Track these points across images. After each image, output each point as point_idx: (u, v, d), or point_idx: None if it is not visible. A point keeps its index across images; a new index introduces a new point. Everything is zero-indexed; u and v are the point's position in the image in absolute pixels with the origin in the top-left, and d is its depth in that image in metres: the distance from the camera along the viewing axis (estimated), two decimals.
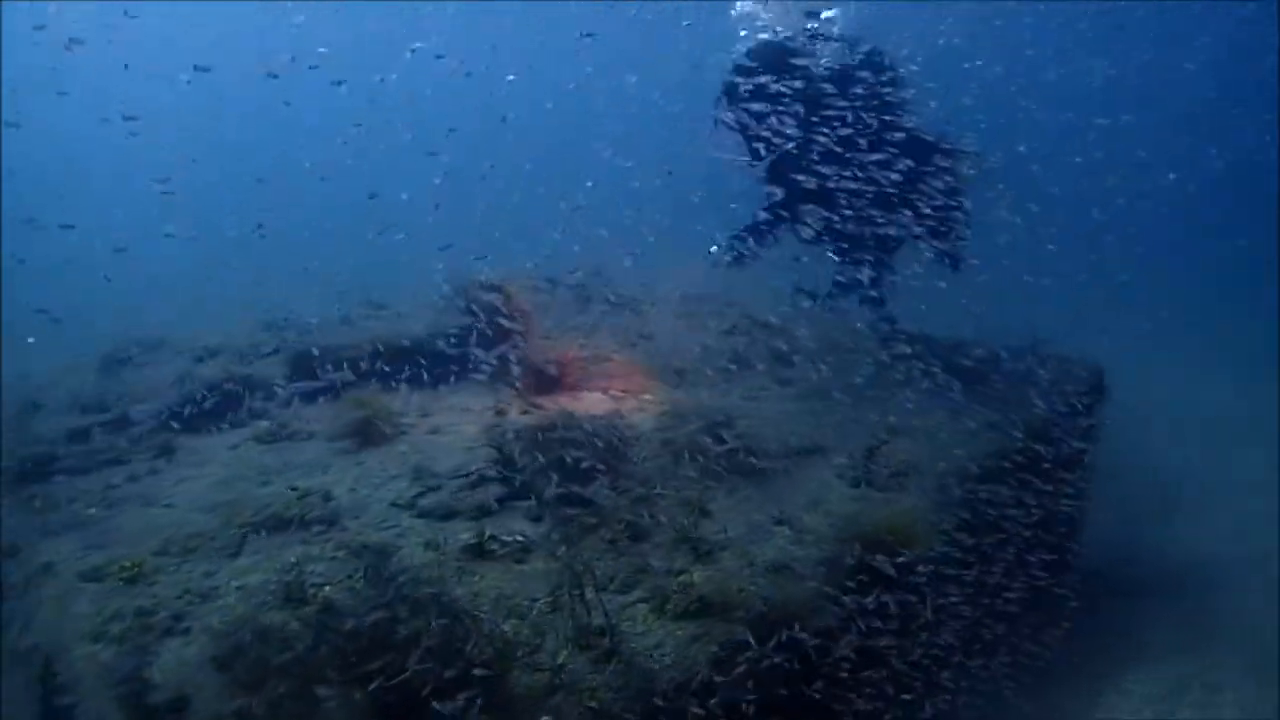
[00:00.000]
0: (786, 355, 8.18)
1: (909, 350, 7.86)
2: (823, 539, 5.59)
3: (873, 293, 9.13)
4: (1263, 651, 7.24)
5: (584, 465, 5.81)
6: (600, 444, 6.09)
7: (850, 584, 5.27)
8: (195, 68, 9.68)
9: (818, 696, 4.83)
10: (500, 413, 7.31)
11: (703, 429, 6.63)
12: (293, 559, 5.22)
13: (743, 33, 9.10)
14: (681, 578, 4.98)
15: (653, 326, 9.02)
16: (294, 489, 6.05)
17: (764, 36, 8.97)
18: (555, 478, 5.67)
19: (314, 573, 5.07)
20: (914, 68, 8.81)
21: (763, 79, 8.48)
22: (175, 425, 7.10)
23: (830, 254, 8.98)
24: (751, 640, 4.61)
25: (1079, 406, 7.84)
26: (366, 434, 6.90)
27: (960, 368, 7.97)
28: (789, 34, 8.96)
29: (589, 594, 4.59)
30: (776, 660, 4.64)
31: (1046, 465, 7.09)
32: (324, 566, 5.17)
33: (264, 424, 7.17)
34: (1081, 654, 7.18)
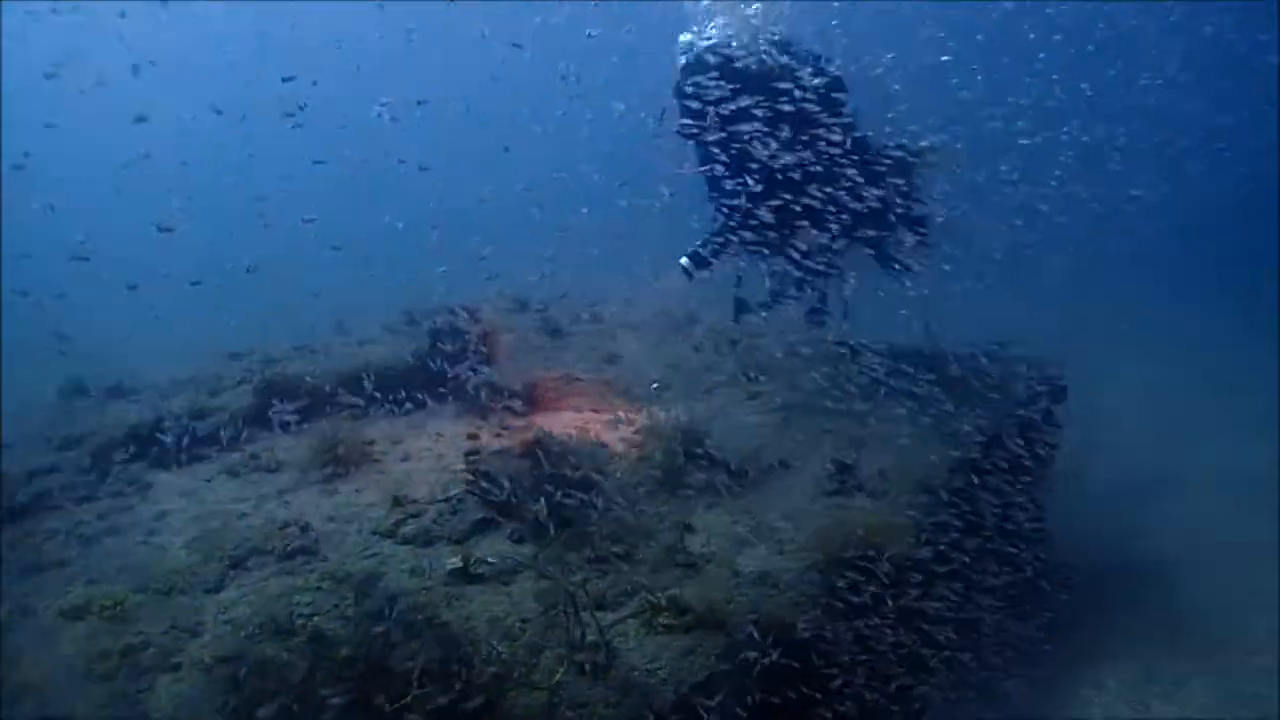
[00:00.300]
0: (755, 370, 8.26)
1: (873, 360, 7.96)
2: (804, 548, 5.67)
3: (816, 304, 9.06)
4: (1225, 641, 7.47)
5: (566, 485, 5.82)
6: (580, 463, 6.12)
7: (839, 586, 5.38)
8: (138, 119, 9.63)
9: (816, 697, 4.90)
10: (472, 437, 7.33)
11: (678, 445, 6.70)
12: (278, 590, 5.21)
13: (688, 36, 8.94)
14: (670, 592, 5.00)
15: (620, 346, 9.06)
16: (272, 521, 6.01)
17: (710, 40, 8.73)
18: (542, 498, 5.67)
19: (301, 603, 5.05)
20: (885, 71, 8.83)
21: (710, 85, 8.23)
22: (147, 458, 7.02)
23: (769, 264, 8.91)
24: (755, 633, 4.67)
25: (1040, 408, 8.03)
26: (339, 463, 6.87)
27: (927, 373, 8.11)
28: (735, 37, 8.74)
29: (583, 612, 4.60)
30: (770, 668, 4.70)
31: (1011, 466, 7.27)
32: (310, 597, 5.13)
33: (235, 456, 7.10)
34: (1056, 648, 7.34)
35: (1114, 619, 7.95)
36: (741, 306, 9.13)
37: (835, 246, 8.54)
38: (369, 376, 7.88)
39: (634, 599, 5.07)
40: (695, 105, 8.21)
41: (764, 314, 9.01)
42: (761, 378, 8.26)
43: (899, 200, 8.87)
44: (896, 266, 8.92)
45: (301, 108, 9.23)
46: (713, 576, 5.31)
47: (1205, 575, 8.57)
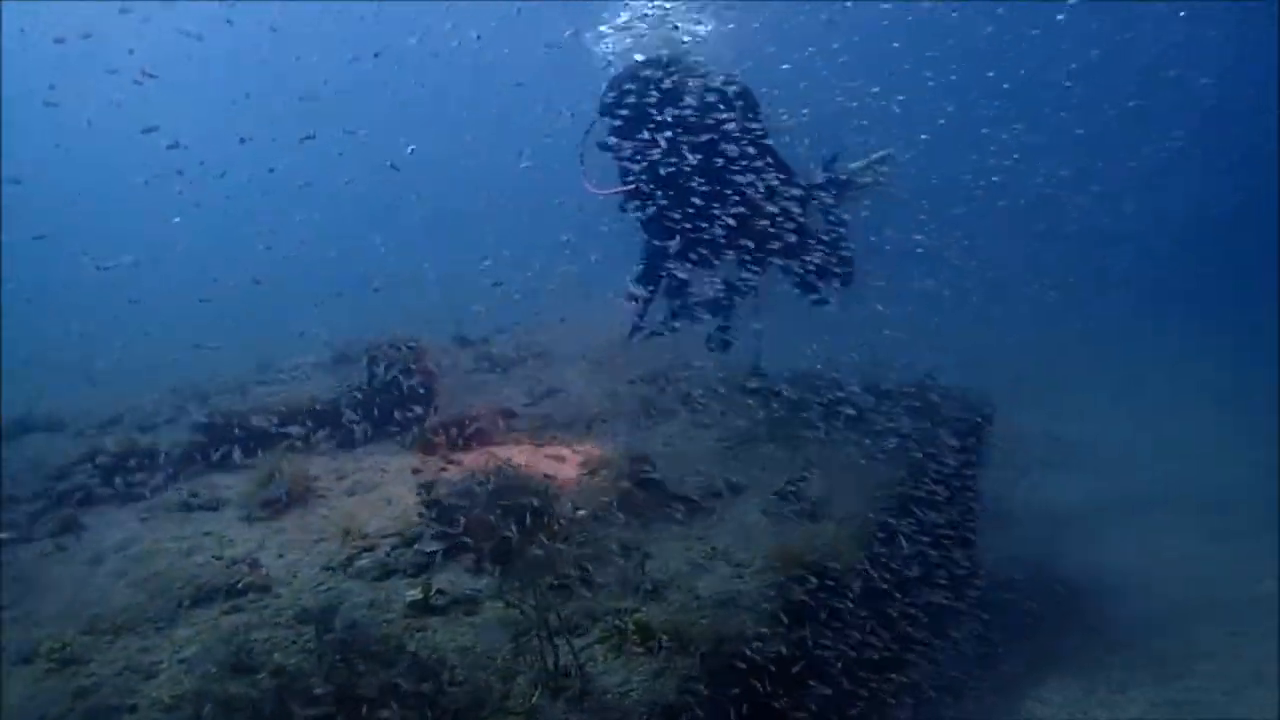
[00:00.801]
0: (697, 399, 8.36)
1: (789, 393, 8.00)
2: (760, 570, 5.75)
3: (722, 328, 8.88)
4: (1160, 652, 7.76)
5: (521, 514, 5.82)
6: (533, 493, 6.12)
7: (801, 601, 5.48)
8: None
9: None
10: (418, 470, 7.28)
11: (626, 475, 6.75)
12: (232, 628, 5.09)
13: (608, 43, 8.89)
14: (636, 616, 5.03)
15: (560, 379, 9.09)
16: (219, 558, 5.88)
17: (638, 57, 8.59)
18: (513, 525, 5.66)
19: (258, 640, 4.94)
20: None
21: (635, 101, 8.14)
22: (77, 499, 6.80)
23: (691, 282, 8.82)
24: (758, 634, 4.70)
25: (968, 432, 8.29)
26: (282, 500, 6.75)
27: (863, 400, 8.31)
28: (658, 52, 8.64)
29: (555, 638, 4.60)
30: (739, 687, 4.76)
31: (944, 487, 7.49)
32: (267, 633, 5.03)
33: (173, 494, 6.92)
34: (995, 663, 7.55)
35: (1057, 633, 8.19)
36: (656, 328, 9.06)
37: (751, 270, 8.47)
38: (307, 412, 7.78)
39: (599, 624, 5.08)
40: (621, 122, 8.13)
41: (666, 332, 8.97)
42: (703, 406, 8.37)
43: (824, 226, 9.00)
44: (815, 295, 9.01)
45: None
46: (674, 600, 5.35)
47: (1148, 590, 8.95)
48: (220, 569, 5.71)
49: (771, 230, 8.21)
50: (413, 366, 8.00)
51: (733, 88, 8.34)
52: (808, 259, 8.60)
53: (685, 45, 8.70)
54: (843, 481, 7.01)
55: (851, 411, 7.94)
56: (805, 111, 8.74)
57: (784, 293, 8.92)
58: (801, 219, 8.36)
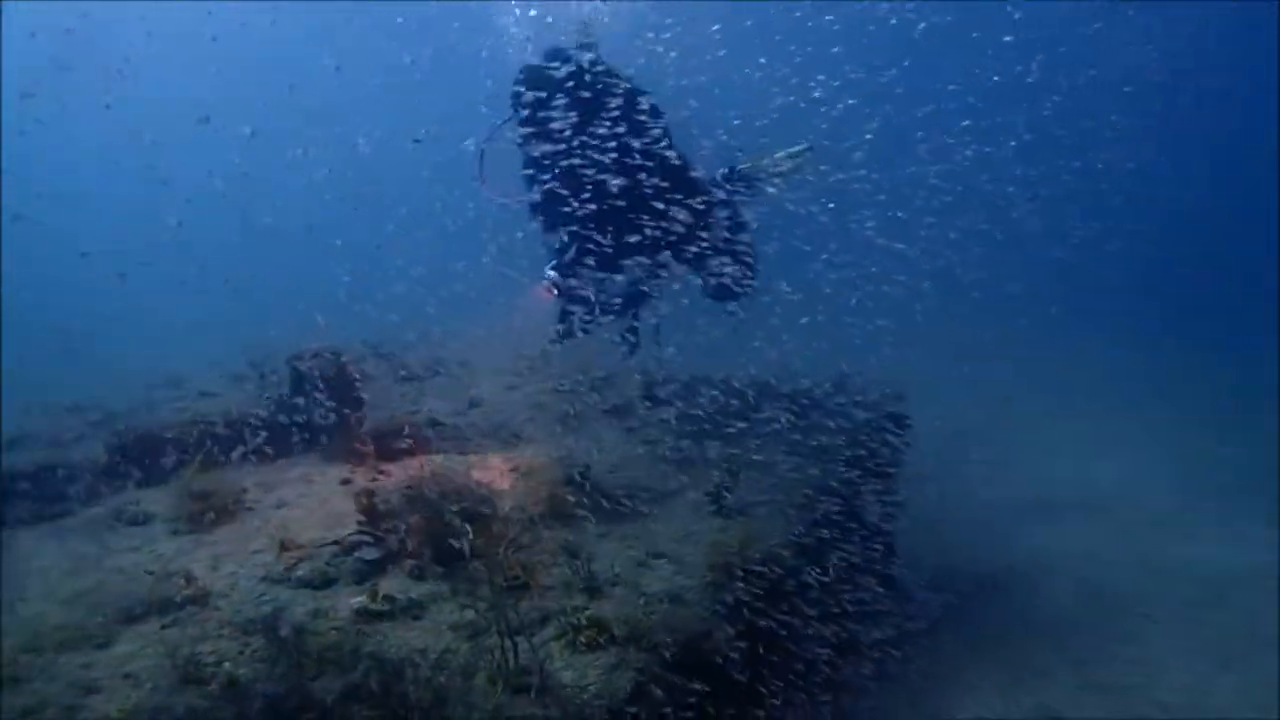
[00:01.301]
0: (621, 404, 8.49)
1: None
2: (700, 566, 5.91)
3: (627, 331, 8.70)
4: (1080, 639, 8.20)
5: (460, 520, 5.86)
6: (471, 499, 6.17)
7: (740, 598, 5.65)
8: None
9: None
10: (347, 481, 7.24)
11: (559, 480, 6.85)
12: (175, 641, 5.01)
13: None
14: (589, 612, 5.13)
15: (482, 389, 9.12)
16: (151, 572, 5.76)
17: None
18: (467, 528, 5.69)
19: (204, 652, 4.87)
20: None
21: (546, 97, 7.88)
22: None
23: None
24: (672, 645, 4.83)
25: (888, 429, 8.62)
26: (211, 513, 6.63)
27: (783, 403, 8.57)
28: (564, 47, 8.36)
29: (513, 636, 4.66)
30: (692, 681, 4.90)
31: (866, 482, 7.79)
32: (212, 645, 4.96)
33: (97, 511, 6.74)
34: (922, 654, 7.86)
35: (980, 625, 8.55)
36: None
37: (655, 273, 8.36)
38: (228, 425, 7.66)
39: (551, 622, 5.16)
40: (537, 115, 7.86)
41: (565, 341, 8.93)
42: (627, 411, 8.51)
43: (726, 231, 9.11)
44: (729, 302, 9.11)
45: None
46: (622, 597, 5.46)
47: (1066, 582, 9.45)
48: (155, 583, 5.59)
49: (674, 239, 8.16)
50: (336, 376, 7.93)
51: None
52: (712, 266, 8.76)
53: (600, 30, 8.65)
54: (769, 482, 7.25)
55: (784, 416, 8.19)
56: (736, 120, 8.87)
57: (697, 301, 9.07)
58: (702, 230, 8.42)
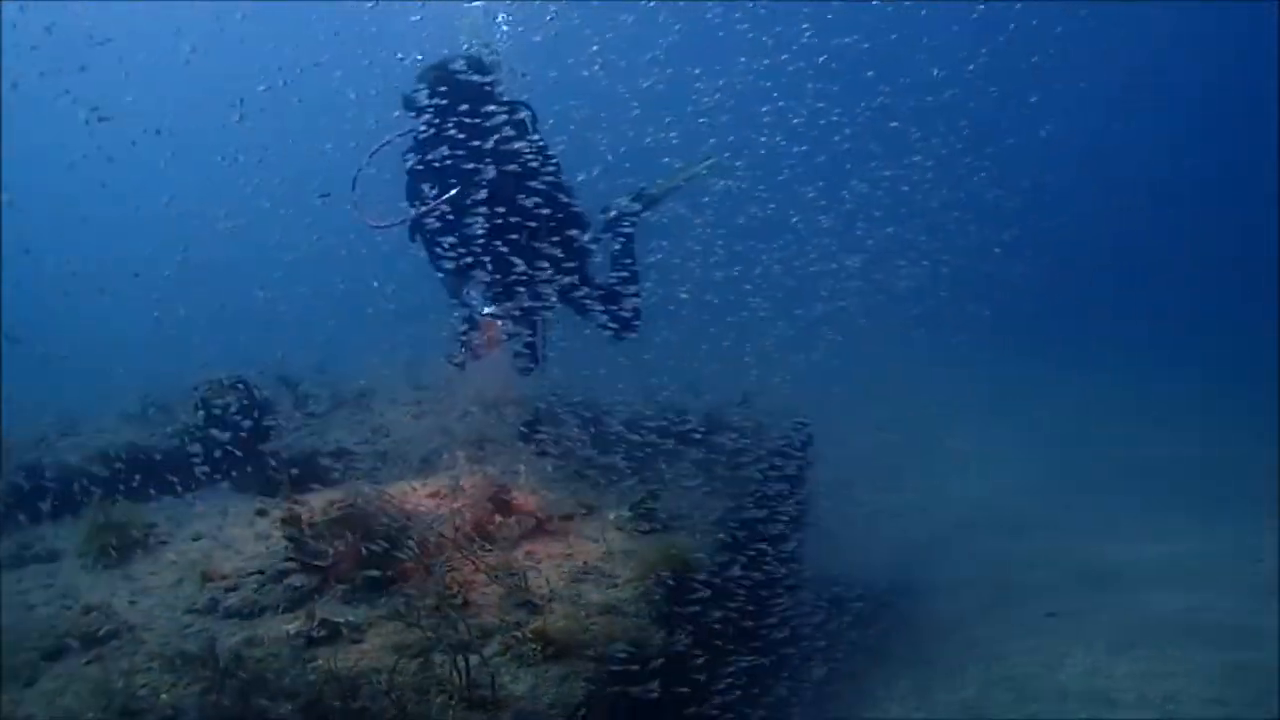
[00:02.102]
0: (531, 428, 8.52)
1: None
2: (630, 580, 6.04)
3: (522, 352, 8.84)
4: (985, 636, 8.66)
5: (393, 540, 5.86)
6: (396, 522, 6.15)
7: (672, 610, 5.80)
8: None
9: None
10: (262, 512, 7.10)
11: (481, 501, 6.88)
12: (103, 676, 4.86)
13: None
14: (533, 626, 5.18)
15: (389, 418, 9.04)
16: (69, 608, 5.57)
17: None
18: (381, 554, 5.66)
19: (136, 685, 4.75)
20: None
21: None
22: None
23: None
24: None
25: (793, 448, 8.93)
26: (123, 547, 6.44)
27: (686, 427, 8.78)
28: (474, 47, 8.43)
29: (464, 652, 4.69)
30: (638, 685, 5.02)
31: (774, 497, 8.06)
32: (144, 678, 4.84)
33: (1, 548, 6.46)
34: (835, 659, 8.14)
35: (888, 630, 8.90)
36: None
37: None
38: (132, 459, 7.45)
39: (494, 639, 5.19)
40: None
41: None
42: (539, 434, 8.56)
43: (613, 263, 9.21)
44: (613, 326, 9.22)
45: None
46: (560, 611, 5.53)
47: (967, 586, 9.92)
48: (72, 618, 5.41)
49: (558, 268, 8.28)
50: (244, 406, 7.79)
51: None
52: (593, 298, 8.88)
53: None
54: (688, 498, 7.45)
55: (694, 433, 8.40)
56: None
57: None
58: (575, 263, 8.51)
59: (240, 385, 7.90)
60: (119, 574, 6.18)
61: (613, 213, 9.60)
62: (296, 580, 5.84)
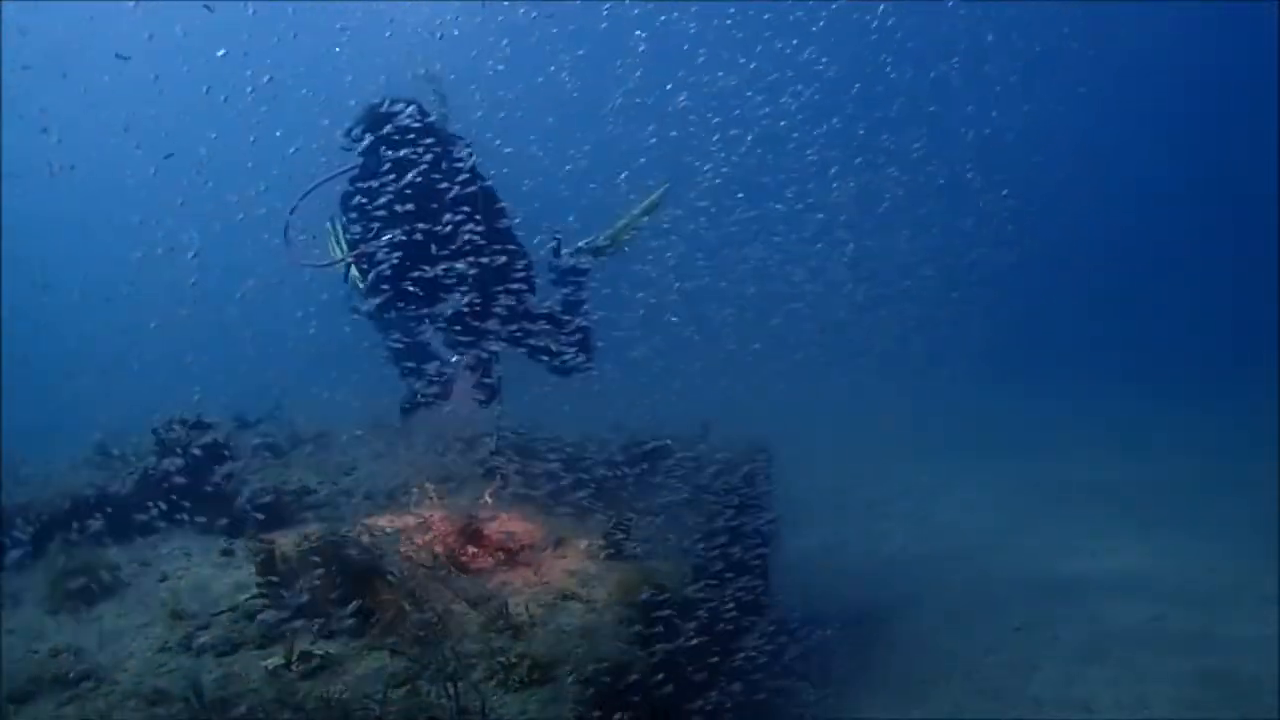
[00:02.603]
0: (494, 463, 8.51)
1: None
2: (609, 605, 6.07)
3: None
4: (955, 652, 8.80)
5: (368, 573, 5.82)
6: (371, 555, 6.10)
7: (647, 632, 5.83)
8: None
9: None
10: (227, 552, 7.01)
11: (451, 533, 6.87)
12: (79, 716, 4.76)
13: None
14: (518, 648, 5.19)
15: (350, 458, 8.97)
16: (35, 651, 5.44)
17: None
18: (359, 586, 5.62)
19: None
20: None
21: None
22: None
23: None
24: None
25: (753, 473, 9.03)
26: (86, 590, 6.30)
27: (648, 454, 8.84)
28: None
29: (453, 680, 4.68)
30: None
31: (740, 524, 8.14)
32: (122, 715, 4.75)
33: None
34: (811, 678, 8.21)
35: (858, 651, 8.98)
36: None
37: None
38: (88, 502, 7.31)
39: (478, 665, 5.17)
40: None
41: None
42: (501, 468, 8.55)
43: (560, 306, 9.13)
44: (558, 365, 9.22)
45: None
46: (541, 636, 5.53)
47: (932, 605, 10.07)
48: (40, 662, 5.28)
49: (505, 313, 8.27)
50: (206, 447, 7.69)
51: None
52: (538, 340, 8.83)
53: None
54: (658, 525, 7.51)
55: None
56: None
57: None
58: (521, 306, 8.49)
59: (200, 424, 7.79)
60: (85, 617, 6.04)
61: (566, 263, 9.58)
62: (270, 615, 5.76)
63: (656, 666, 5.68)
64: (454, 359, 8.48)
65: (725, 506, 8.22)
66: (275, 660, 5.19)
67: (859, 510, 14.10)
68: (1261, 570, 9.98)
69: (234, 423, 9.05)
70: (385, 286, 8.10)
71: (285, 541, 6.81)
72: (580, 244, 9.66)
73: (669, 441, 9.15)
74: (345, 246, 8.41)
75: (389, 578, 5.85)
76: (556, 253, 9.70)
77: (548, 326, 9.03)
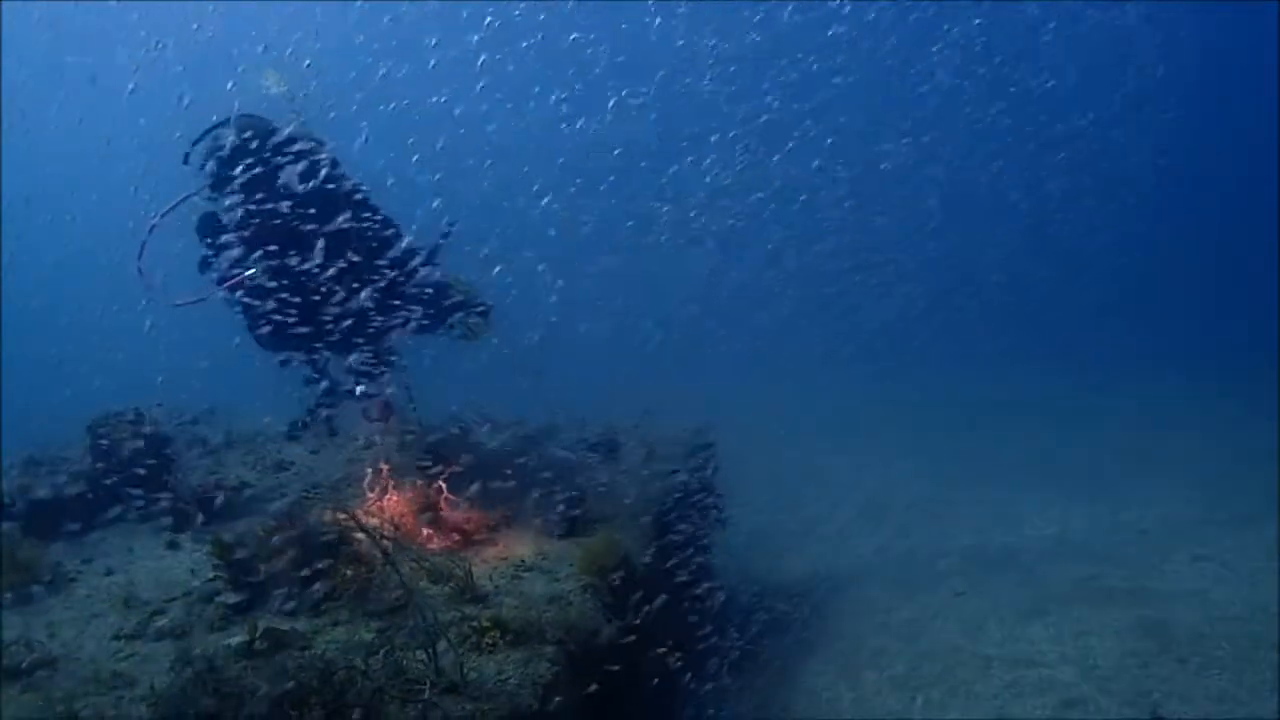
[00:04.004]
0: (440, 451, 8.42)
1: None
2: (570, 575, 6.10)
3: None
4: (903, 619, 9.02)
5: (331, 550, 5.76)
6: (327, 534, 6.03)
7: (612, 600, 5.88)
8: None
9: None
10: (172, 545, 6.86)
11: (407, 514, 6.84)
12: (41, 701, 4.61)
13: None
14: (489, 614, 5.18)
15: (285, 455, 8.82)
16: None
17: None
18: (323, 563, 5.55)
19: (81, 707, 4.53)
20: None
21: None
22: None
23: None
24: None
25: (697, 459, 9.13)
26: (29, 584, 6.09)
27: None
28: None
29: (433, 643, 4.66)
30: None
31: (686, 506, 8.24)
32: (85, 701, 4.61)
33: None
34: (762, 653, 8.31)
35: (809, 625, 9.11)
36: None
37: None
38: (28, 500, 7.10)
39: (450, 631, 5.14)
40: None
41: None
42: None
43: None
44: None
45: None
46: (509, 603, 5.53)
47: (874, 579, 10.30)
48: None
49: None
50: (146, 443, 7.49)
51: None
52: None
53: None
54: (609, 501, 7.55)
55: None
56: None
57: None
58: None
59: (136, 419, 7.58)
60: (32, 609, 5.83)
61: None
62: (229, 598, 5.66)
63: (624, 630, 5.72)
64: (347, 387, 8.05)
65: (673, 484, 8.29)
66: (240, 639, 5.09)
67: (797, 486, 14.30)
68: (1190, 533, 10.41)
69: (171, 421, 8.84)
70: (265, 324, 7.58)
71: (240, 527, 6.71)
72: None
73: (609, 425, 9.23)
74: None
75: (355, 551, 5.78)
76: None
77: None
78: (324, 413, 8.40)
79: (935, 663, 7.85)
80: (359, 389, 8.01)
